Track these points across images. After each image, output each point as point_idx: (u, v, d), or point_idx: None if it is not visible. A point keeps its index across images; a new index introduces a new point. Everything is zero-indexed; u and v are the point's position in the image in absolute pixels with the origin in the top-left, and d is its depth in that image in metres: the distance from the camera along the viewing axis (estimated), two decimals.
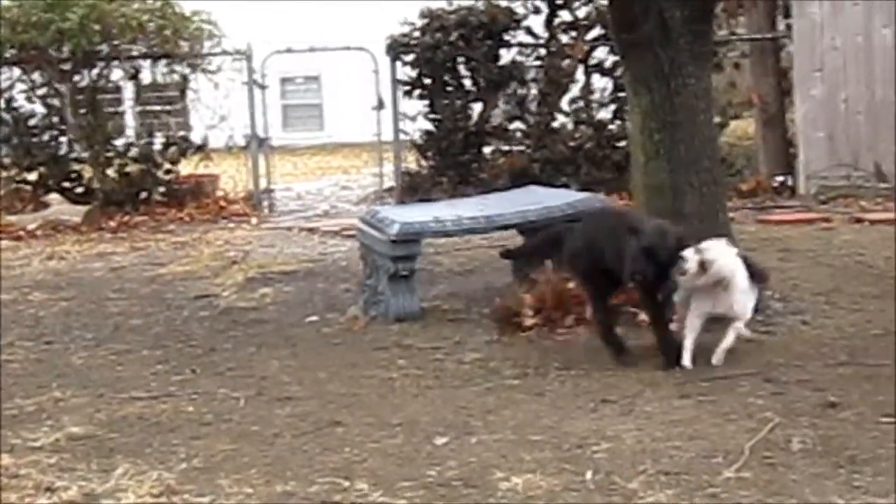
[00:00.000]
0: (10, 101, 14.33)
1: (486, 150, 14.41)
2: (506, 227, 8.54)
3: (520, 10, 14.20)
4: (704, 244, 6.38)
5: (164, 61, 14.49)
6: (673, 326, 6.65)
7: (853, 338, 6.92)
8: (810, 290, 8.14)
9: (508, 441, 5.35)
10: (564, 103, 14.46)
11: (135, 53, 14.38)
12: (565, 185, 12.45)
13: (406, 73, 14.23)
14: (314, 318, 8.16)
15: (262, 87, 14.62)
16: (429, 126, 14.24)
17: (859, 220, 11.32)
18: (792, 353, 6.65)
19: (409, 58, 14.16)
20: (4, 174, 14.31)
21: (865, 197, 12.57)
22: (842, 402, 5.65)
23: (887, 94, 12.82)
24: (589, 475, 4.84)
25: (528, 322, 7.38)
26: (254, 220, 13.52)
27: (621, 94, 13.15)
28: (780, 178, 13.65)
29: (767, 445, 5.11)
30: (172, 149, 14.51)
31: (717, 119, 14.66)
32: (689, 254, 6.27)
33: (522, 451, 5.19)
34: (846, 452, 4.98)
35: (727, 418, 5.52)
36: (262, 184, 14.54)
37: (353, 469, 5.07)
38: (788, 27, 13.86)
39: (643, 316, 7.04)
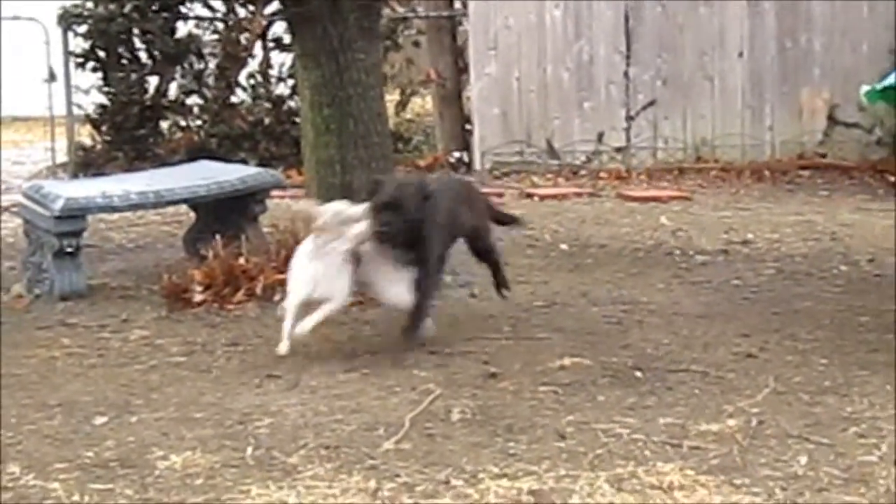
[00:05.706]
0: None
1: (163, 124, 14.18)
2: (175, 203, 8.42)
3: None
4: None
5: None
6: None
7: (517, 309, 7.06)
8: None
9: (170, 419, 5.26)
10: (243, 78, 14.37)
11: None
12: (243, 161, 12.36)
13: (79, 44, 13.85)
14: None
15: None
16: (103, 100, 13.91)
17: (529, 195, 11.65)
18: (458, 325, 6.76)
19: (82, 29, 13.79)
20: None
21: (537, 172, 12.93)
22: (502, 372, 5.77)
23: (557, 73, 13.20)
24: (249, 451, 4.80)
25: (198, 298, 7.27)
26: None
27: None
28: (457, 154, 13.89)
29: (428, 417, 5.17)
30: None
31: (396, 96, 14.97)
32: None
33: (184, 428, 5.11)
34: (504, 421, 5.08)
35: (391, 391, 5.56)
36: None
37: (6, 452, 4.87)
38: (465, 6, 14.08)
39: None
